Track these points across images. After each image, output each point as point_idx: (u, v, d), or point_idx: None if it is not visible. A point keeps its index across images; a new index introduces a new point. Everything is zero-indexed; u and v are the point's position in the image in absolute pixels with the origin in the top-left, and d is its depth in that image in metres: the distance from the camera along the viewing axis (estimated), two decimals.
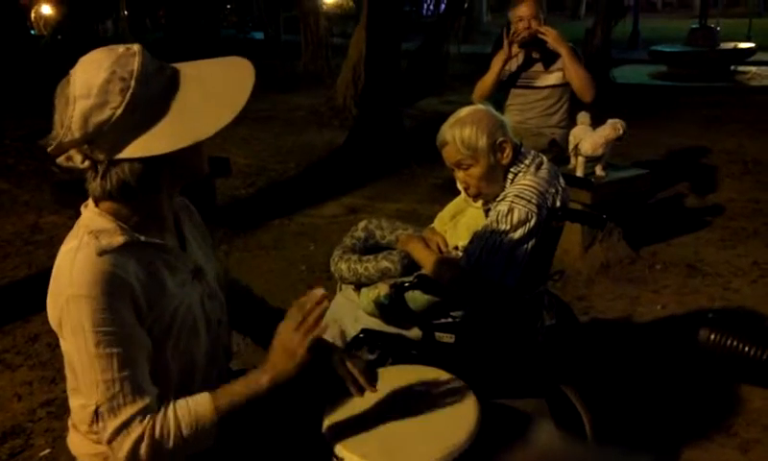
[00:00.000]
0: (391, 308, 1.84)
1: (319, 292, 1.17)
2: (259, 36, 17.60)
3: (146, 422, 1.07)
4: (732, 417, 2.30)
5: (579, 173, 3.24)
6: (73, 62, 1.11)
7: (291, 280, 3.57)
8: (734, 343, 0.75)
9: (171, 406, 1.10)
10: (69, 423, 1.25)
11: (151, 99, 1.05)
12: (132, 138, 1.04)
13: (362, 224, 2.16)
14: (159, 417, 1.09)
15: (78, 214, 1.17)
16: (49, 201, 4.75)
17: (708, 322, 0.80)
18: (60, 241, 1.14)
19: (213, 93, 1.10)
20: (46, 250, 3.99)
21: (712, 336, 0.77)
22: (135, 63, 1.05)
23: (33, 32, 15.12)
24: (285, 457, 1.28)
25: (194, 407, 1.11)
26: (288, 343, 1.15)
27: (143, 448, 1.07)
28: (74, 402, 1.19)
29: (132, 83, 1.04)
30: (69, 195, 3.65)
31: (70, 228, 1.16)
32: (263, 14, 17.39)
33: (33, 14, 16.65)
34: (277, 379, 1.15)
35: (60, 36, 12.24)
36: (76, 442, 1.23)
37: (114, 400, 1.06)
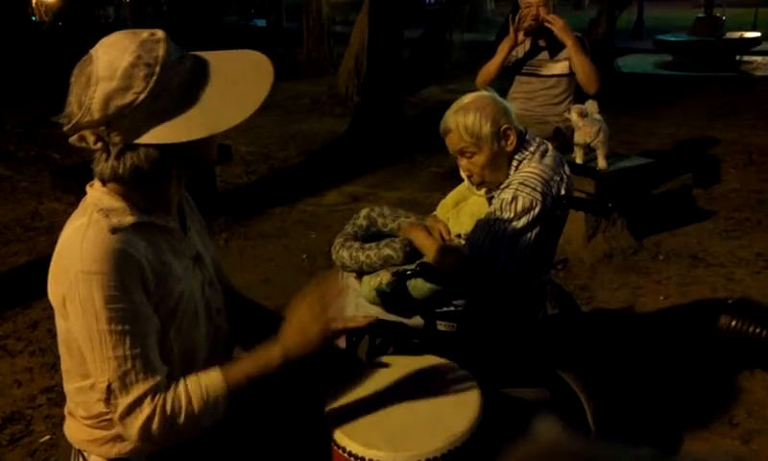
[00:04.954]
0: (392, 296, 1.82)
1: (337, 282, 1.20)
2: (261, 23, 17.51)
3: (156, 399, 1.07)
4: (734, 407, 2.29)
5: (579, 160, 3.22)
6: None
7: (292, 269, 3.56)
8: (756, 329, 0.73)
9: (182, 382, 1.11)
10: (65, 410, 1.24)
11: (174, 87, 1.05)
12: (152, 124, 1.04)
13: (364, 211, 2.13)
14: (170, 393, 1.09)
15: (78, 199, 1.15)
16: (49, 187, 4.74)
17: (727, 308, 0.78)
18: (61, 227, 1.12)
19: (235, 85, 1.10)
20: (47, 236, 3.98)
21: (733, 323, 0.75)
22: (161, 50, 1.04)
23: (34, 18, 15.04)
24: (284, 443, 1.27)
25: (204, 383, 1.11)
26: (302, 318, 1.15)
27: (155, 425, 1.07)
28: (69, 386, 1.18)
29: (158, 69, 1.03)
30: (69, 181, 3.64)
31: (70, 214, 1.15)
32: (265, 1, 17.30)
33: (34, 1, 16.57)
34: (289, 356, 1.14)
35: (61, 23, 12.19)
36: (73, 429, 1.22)
37: (127, 378, 1.06)
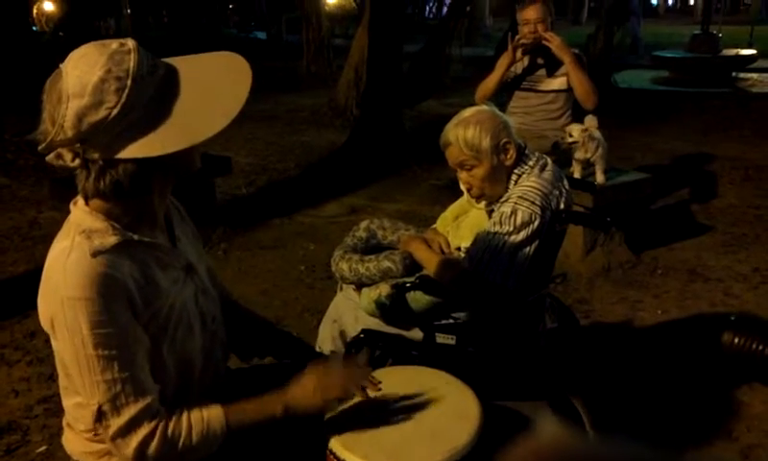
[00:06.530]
0: (392, 309, 1.82)
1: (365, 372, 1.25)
2: (262, 36, 17.62)
3: (156, 421, 1.08)
4: (734, 421, 2.29)
5: (577, 175, 3.24)
6: None
7: (290, 280, 3.55)
8: (760, 346, 0.74)
9: (185, 412, 1.12)
10: (64, 422, 1.24)
11: (147, 99, 1.02)
12: (128, 139, 1.01)
13: (364, 223, 2.14)
14: (173, 420, 1.10)
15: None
16: (48, 196, 4.74)
17: (730, 325, 0.79)
18: None
19: (211, 94, 1.07)
20: (45, 245, 3.91)
21: (737, 340, 0.76)
22: (131, 62, 1.01)
23: (34, 28, 15.08)
24: (282, 454, 1.27)
25: (207, 418, 1.12)
26: (326, 383, 1.18)
27: (153, 447, 1.07)
28: (67, 402, 1.18)
29: (129, 82, 1.00)
30: (68, 191, 3.65)
31: None
32: (265, 15, 17.42)
33: (35, 11, 16.62)
34: (293, 412, 1.17)
35: (61, 33, 12.22)
36: (71, 440, 1.22)
37: (117, 400, 1.06)
